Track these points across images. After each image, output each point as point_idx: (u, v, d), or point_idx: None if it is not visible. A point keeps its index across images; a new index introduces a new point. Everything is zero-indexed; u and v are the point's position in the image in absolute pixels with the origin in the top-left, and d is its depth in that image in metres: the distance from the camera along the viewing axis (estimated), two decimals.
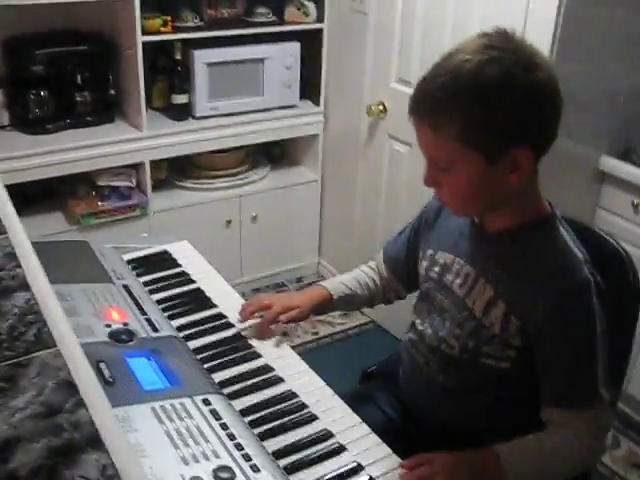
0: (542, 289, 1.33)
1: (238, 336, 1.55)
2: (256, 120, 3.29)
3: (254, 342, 1.54)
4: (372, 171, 3.22)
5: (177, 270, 1.78)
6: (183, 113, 3.15)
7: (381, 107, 3.01)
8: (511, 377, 1.42)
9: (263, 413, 1.33)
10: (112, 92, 3.07)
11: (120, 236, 2.51)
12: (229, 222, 3.36)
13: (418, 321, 1.57)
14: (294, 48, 3.27)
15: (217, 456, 1.16)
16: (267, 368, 1.46)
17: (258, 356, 1.50)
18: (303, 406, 1.36)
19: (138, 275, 1.73)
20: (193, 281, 1.74)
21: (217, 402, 1.29)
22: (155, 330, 1.49)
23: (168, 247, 1.88)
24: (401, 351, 1.64)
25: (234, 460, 1.16)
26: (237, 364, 1.46)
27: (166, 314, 1.59)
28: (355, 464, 1.24)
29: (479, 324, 1.41)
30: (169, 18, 2.94)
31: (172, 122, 3.14)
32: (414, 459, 1.26)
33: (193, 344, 1.50)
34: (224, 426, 1.23)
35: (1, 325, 0.90)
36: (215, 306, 1.65)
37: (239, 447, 1.20)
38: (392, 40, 2.91)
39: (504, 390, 1.45)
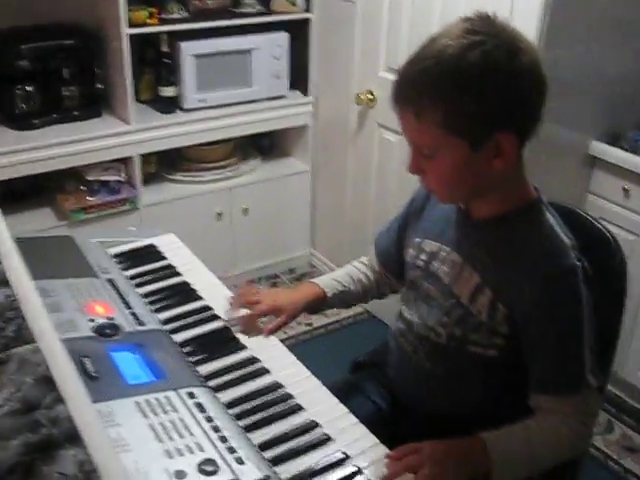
0: (528, 276, 1.32)
1: (224, 328, 1.54)
2: (245, 111, 3.27)
3: (240, 334, 1.53)
4: (362, 160, 3.21)
5: (163, 263, 1.77)
6: (171, 106, 3.13)
7: (370, 96, 3.00)
8: (499, 365, 1.41)
9: (249, 405, 1.32)
10: (99, 86, 3.06)
11: (108, 231, 2.51)
12: (220, 215, 3.35)
13: (406, 310, 1.56)
14: (282, 38, 3.25)
15: (201, 449, 1.16)
16: (253, 360, 1.44)
17: (244, 348, 1.48)
18: (289, 397, 1.35)
19: (123, 269, 1.72)
20: (179, 274, 1.73)
21: (202, 395, 1.29)
22: (140, 324, 1.48)
23: (154, 240, 1.87)
24: (389, 340, 1.63)
25: (218, 453, 1.16)
26: (223, 356, 1.44)
27: (152, 307, 1.58)
28: (342, 455, 1.23)
29: (466, 312, 1.40)
30: (155, 10, 2.93)
31: (160, 115, 3.12)
32: (401, 449, 1.25)
33: (179, 337, 1.49)
34: (209, 419, 1.23)
35: None
36: (201, 298, 1.64)
37: (224, 440, 1.19)
38: (380, 29, 2.90)
39: (492, 378, 1.44)
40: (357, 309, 3.39)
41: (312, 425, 1.28)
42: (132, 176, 3.07)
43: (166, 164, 3.34)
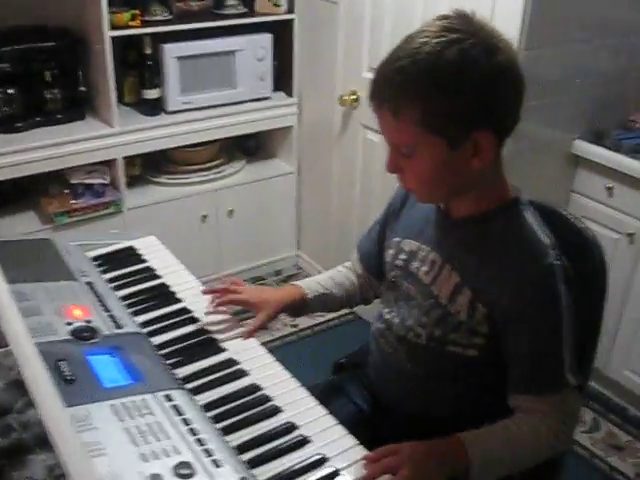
0: (507, 275, 1.32)
1: (203, 331, 1.53)
2: (230, 113, 3.27)
3: (219, 336, 1.52)
4: (347, 161, 3.21)
5: (142, 266, 1.76)
6: (155, 108, 3.12)
7: (354, 97, 3.00)
8: (479, 365, 1.41)
9: (226, 407, 1.31)
10: (82, 88, 3.04)
11: (91, 234, 2.49)
12: (205, 217, 3.34)
13: (386, 310, 1.56)
14: (265, 39, 3.24)
15: (178, 452, 1.14)
16: (231, 362, 1.43)
17: (222, 350, 1.47)
18: (267, 399, 1.34)
19: (102, 272, 1.70)
20: (158, 276, 1.72)
21: (179, 398, 1.28)
22: (118, 327, 1.47)
23: (134, 243, 1.85)
24: (369, 341, 1.63)
25: (195, 456, 1.14)
26: (201, 359, 1.43)
27: (130, 310, 1.56)
28: (320, 456, 1.22)
29: (445, 311, 1.39)
30: (137, 12, 2.91)
31: (144, 117, 3.11)
32: (379, 450, 1.24)
33: (157, 340, 1.48)
34: (186, 422, 1.22)
35: None
36: (180, 301, 1.63)
37: (201, 442, 1.18)
38: (363, 29, 2.90)
39: (472, 377, 1.44)
40: (343, 310, 3.37)
41: (290, 427, 1.27)
42: (116, 179, 3.06)
43: (151, 167, 3.33)
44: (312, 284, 1.69)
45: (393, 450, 1.25)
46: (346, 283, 1.72)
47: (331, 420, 1.31)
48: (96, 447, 1.11)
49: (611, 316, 2.60)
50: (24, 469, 0.75)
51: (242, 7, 3.21)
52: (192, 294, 1.65)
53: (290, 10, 3.23)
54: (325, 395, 1.54)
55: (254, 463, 1.19)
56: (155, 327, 1.52)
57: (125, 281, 1.68)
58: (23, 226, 2.93)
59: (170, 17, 3.04)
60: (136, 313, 1.56)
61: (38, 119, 2.92)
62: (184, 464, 1.12)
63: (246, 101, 3.31)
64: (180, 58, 3.05)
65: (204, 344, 1.49)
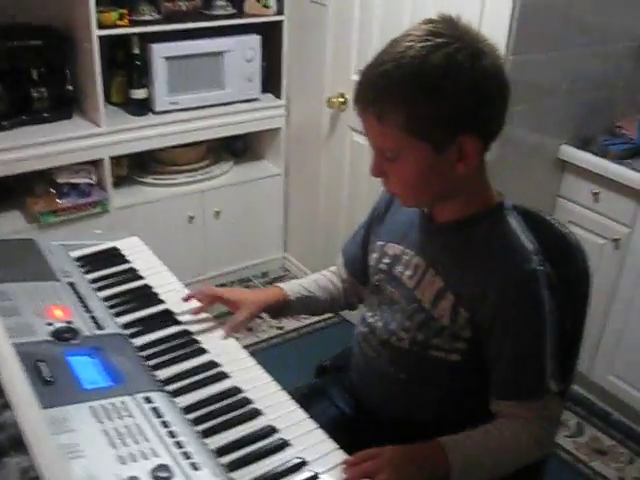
0: (490, 280, 1.32)
1: (184, 332, 1.52)
2: (217, 114, 3.26)
3: (200, 338, 1.51)
4: (334, 163, 3.21)
5: (125, 267, 1.74)
6: (143, 108, 3.11)
7: (342, 99, 3.00)
8: (462, 369, 1.41)
9: (207, 410, 1.30)
10: (69, 87, 3.02)
11: (76, 234, 2.47)
12: (192, 218, 3.33)
13: (369, 314, 1.55)
14: (254, 41, 3.24)
15: (156, 455, 1.14)
16: (212, 364, 1.43)
17: (204, 352, 1.47)
18: (248, 402, 1.33)
19: (85, 272, 1.69)
20: (141, 277, 1.71)
21: (159, 400, 1.27)
22: (99, 328, 1.46)
23: (117, 244, 1.84)
24: (353, 344, 1.62)
25: (173, 458, 1.14)
26: (182, 361, 1.43)
27: (112, 311, 1.55)
28: (299, 460, 1.21)
29: (428, 316, 1.39)
30: (126, 11, 2.90)
31: (131, 117, 3.10)
32: (359, 455, 1.24)
33: (138, 341, 1.47)
34: (165, 424, 1.21)
35: None
36: (162, 302, 1.62)
37: (179, 445, 1.17)
38: (351, 32, 2.90)
39: (455, 382, 1.43)
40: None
41: (270, 430, 1.27)
42: (103, 179, 3.05)
43: (138, 167, 3.32)
44: (295, 286, 1.68)
45: (373, 454, 1.24)
46: (330, 287, 1.72)
47: (311, 424, 1.30)
48: (74, 449, 1.10)
49: (596, 321, 2.61)
50: None
51: (231, 8, 3.21)
52: (175, 295, 1.64)
53: (279, 12, 3.23)
54: (307, 398, 1.54)
55: (233, 466, 1.19)
56: (137, 329, 1.51)
57: (108, 282, 1.67)
58: (8, 226, 2.91)
59: (158, 17, 3.02)
60: (118, 314, 1.55)
61: (24, 117, 2.90)
62: (162, 467, 1.11)
63: (234, 102, 3.30)
64: (168, 58, 3.04)
65: (186, 346, 1.48)
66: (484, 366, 1.37)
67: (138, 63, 3.03)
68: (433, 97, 1.22)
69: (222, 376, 1.40)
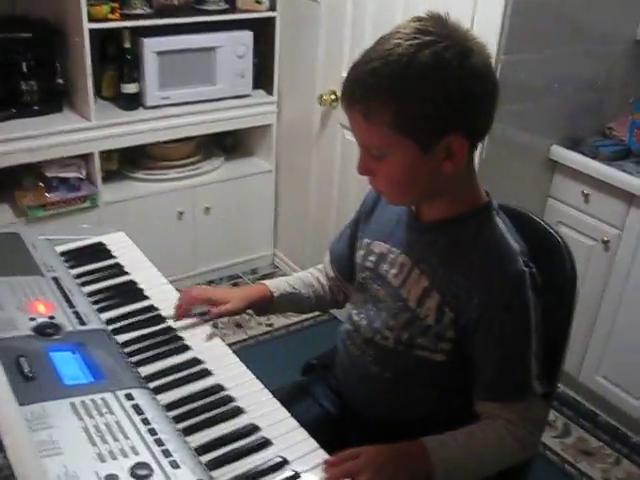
0: (476, 281, 1.31)
1: (168, 329, 1.51)
2: (209, 110, 3.25)
3: (184, 335, 1.50)
4: (325, 161, 3.20)
5: (111, 262, 1.73)
6: (133, 102, 3.10)
7: (333, 96, 2.99)
8: (447, 369, 1.40)
9: (188, 407, 1.29)
10: (60, 81, 3.01)
11: (59, 228, 2.45)
12: (182, 214, 3.32)
13: (354, 312, 1.54)
14: (246, 37, 3.22)
15: (136, 452, 1.13)
16: (196, 361, 1.42)
17: (187, 349, 1.46)
18: (230, 400, 1.32)
19: (70, 267, 1.68)
20: (126, 273, 1.69)
21: (141, 397, 1.26)
22: (82, 323, 1.45)
23: (103, 239, 1.83)
24: (337, 343, 1.61)
25: (153, 456, 1.12)
26: (165, 357, 1.41)
27: (96, 307, 1.54)
28: (280, 459, 1.20)
29: (413, 315, 1.38)
30: (117, 5, 2.89)
31: (122, 112, 3.09)
32: (341, 455, 1.23)
33: (122, 337, 1.46)
34: (146, 421, 1.20)
35: None
36: (147, 298, 1.61)
37: (160, 443, 1.16)
38: (344, 29, 2.89)
39: (440, 381, 1.43)
40: None
41: (252, 429, 1.26)
42: (92, 173, 3.03)
43: (128, 162, 3.31)
44: (280, 283, 1.67)
45: (354, 454, 1.24)
46: (316, 285, 1.71)
47: (293, 423, 1.29)
48: (52, 446, 1.09)
49: (584, 322, 2.61)
50: None
51: (223, 3, 3.19)
52: (160, 292, 1.63)
53: (272, 8, 3.22)
54: (291, 396, 1.53)
55: (214, 464, 1.18)
56: (120, 324, 1.50)
57: (92, 277, 1.66)
58: None
59: (150, 11, 3.01)
60: (102, 310, 1.54)
61: (14, 110, 2.88)
62: (142, 464, 1.10)
63: (225, 98, 3.29)
64: (160, 53, 3.02)
65: (169, 342, 1.47)
66: (470, 365, 1.37)
67: (129, 57, 3.02)
68: (421, 95, 1.21)
69: (205, 373, 1.39)
